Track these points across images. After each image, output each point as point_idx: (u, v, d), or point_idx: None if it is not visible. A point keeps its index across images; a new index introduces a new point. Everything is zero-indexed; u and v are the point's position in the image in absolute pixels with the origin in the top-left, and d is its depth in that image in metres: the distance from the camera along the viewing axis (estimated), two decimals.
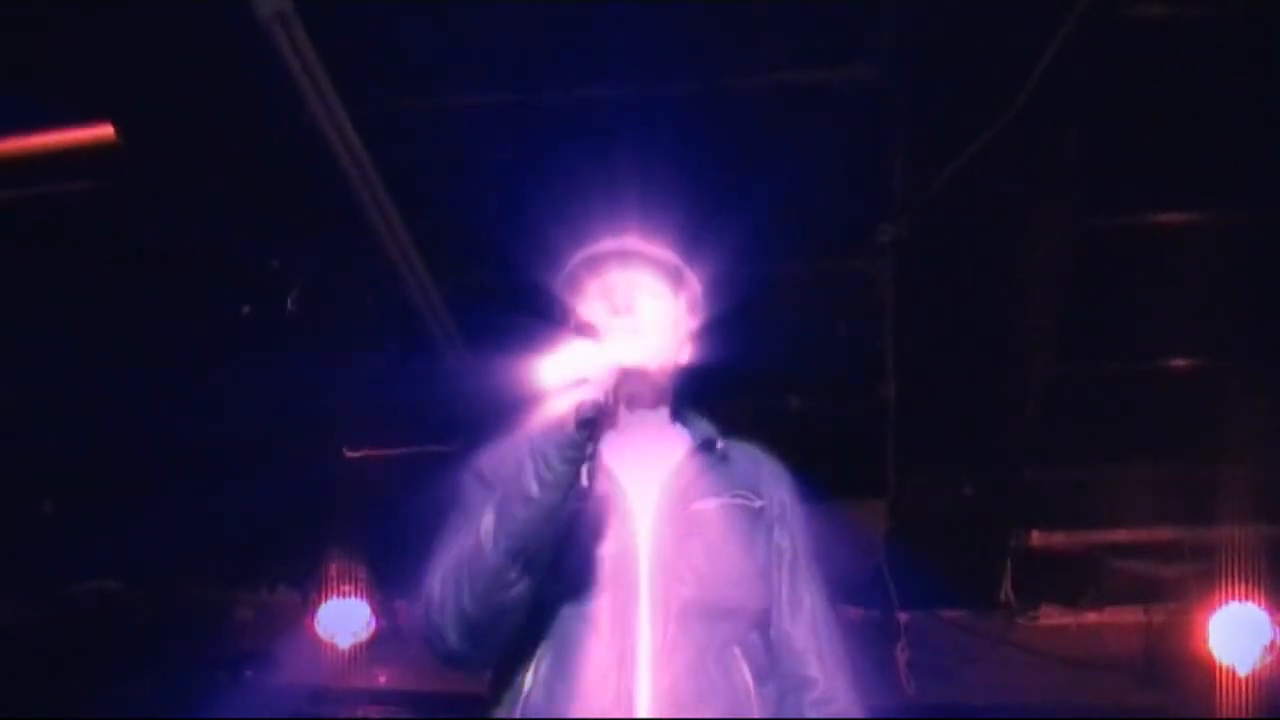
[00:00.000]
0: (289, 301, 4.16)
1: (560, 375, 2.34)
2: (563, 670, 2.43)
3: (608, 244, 2.69)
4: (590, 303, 2.61)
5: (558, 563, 2.42)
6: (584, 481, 2.36)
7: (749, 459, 2.74)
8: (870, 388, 4.74)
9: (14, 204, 3.96)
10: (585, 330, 2.45)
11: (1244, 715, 5.47)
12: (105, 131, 3.65)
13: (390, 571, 6.19)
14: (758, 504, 2.65)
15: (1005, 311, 4.37)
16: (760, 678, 2.53)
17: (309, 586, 6.33)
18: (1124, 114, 3.71)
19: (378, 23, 3.58)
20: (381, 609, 6.22)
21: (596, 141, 3.93)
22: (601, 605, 2.46)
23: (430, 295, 4.39)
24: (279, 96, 3.45)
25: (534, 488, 2.34)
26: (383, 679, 6.38)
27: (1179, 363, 4.78)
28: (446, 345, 4.61)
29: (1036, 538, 5.66)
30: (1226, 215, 4.14)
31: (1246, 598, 5.50)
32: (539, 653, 2.46)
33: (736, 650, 2.51)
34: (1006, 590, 5.87)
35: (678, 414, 2.76)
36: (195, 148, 3.78)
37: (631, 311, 2.55)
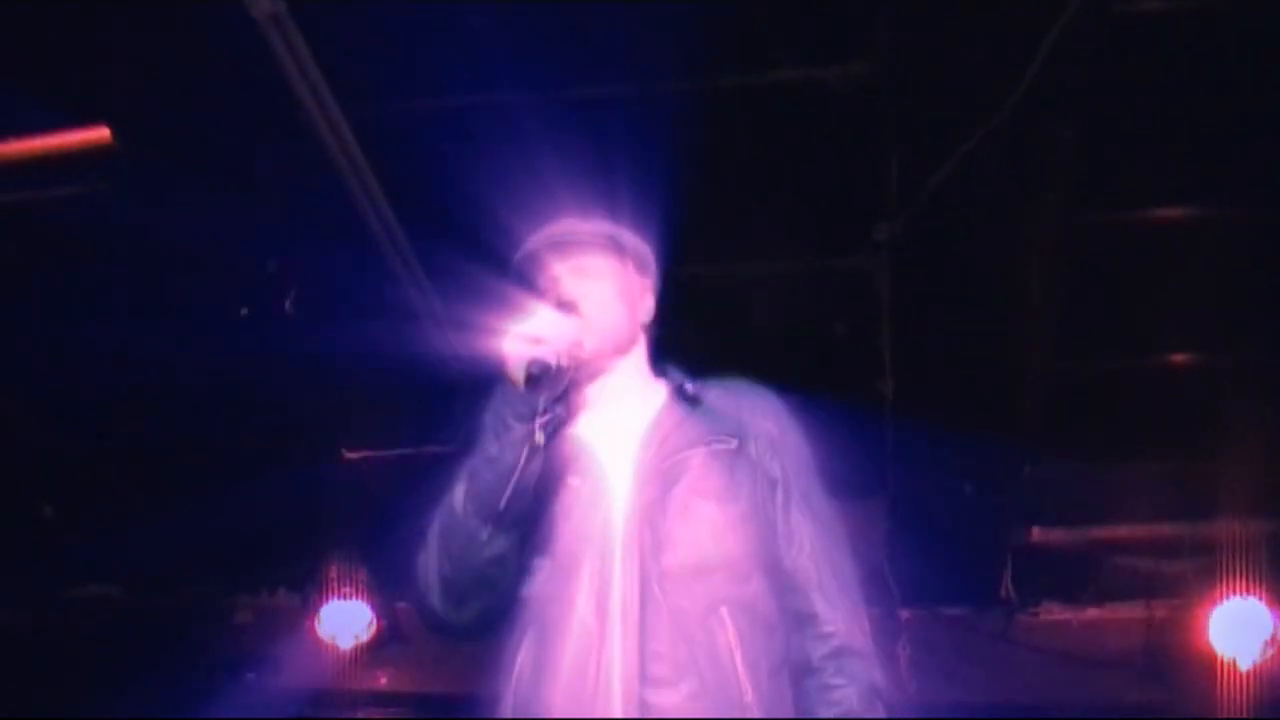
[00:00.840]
0: (286, 303, 4.15)
1: (517, 338, 2.43)
2: (546, 646, 2.44)
3: (542, 237, 2.72)
4: (542, 296, 2.61)
5: (540, 539, 2.47)
6: (538, 439, 2.41)
7: (729, 397, 2.69)
8: (869, 385, 4.74)
9: (10, 207, 3.96)
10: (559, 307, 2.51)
11: (1245, 710, 5.46)
12: (101, 134, 3.65)
13: (390, 573, 6.19)
14: (732, 444, 2.59)
15: (1003, 308, 4.37)
16: (754, 631, 2.47)
17: (309, 589, 6.33)
18: (1119, 110, 3.71)
19: (372, 23, 3.58)
20: (382, 610, 6.22)
21: (593, 142, 3.93)
22: (580, 577, 2.46)
23: (428, 296, 4.39)
24: (274, 97, 3.45)
25: (493, 448, 2.42)
26: (383, 680, 6.38)
27: (1177, 358, 4.78)
28: (445, 346, 4.61)
29: (1037, 534, 5.66)
30: (1223, 211, 4.14)
31: (1247, 593, 5.49)
32: (525, 629, 2.48)
33: (723, 610, 2.46)
34: (1007, 587, 5.87)
35: (655, 367, 2.75)
36: (190, 150, 3.78)
37: (574, 301, 2.54)
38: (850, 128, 3.80)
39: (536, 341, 2.40)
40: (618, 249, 2.71)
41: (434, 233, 4.20)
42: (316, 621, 6.19)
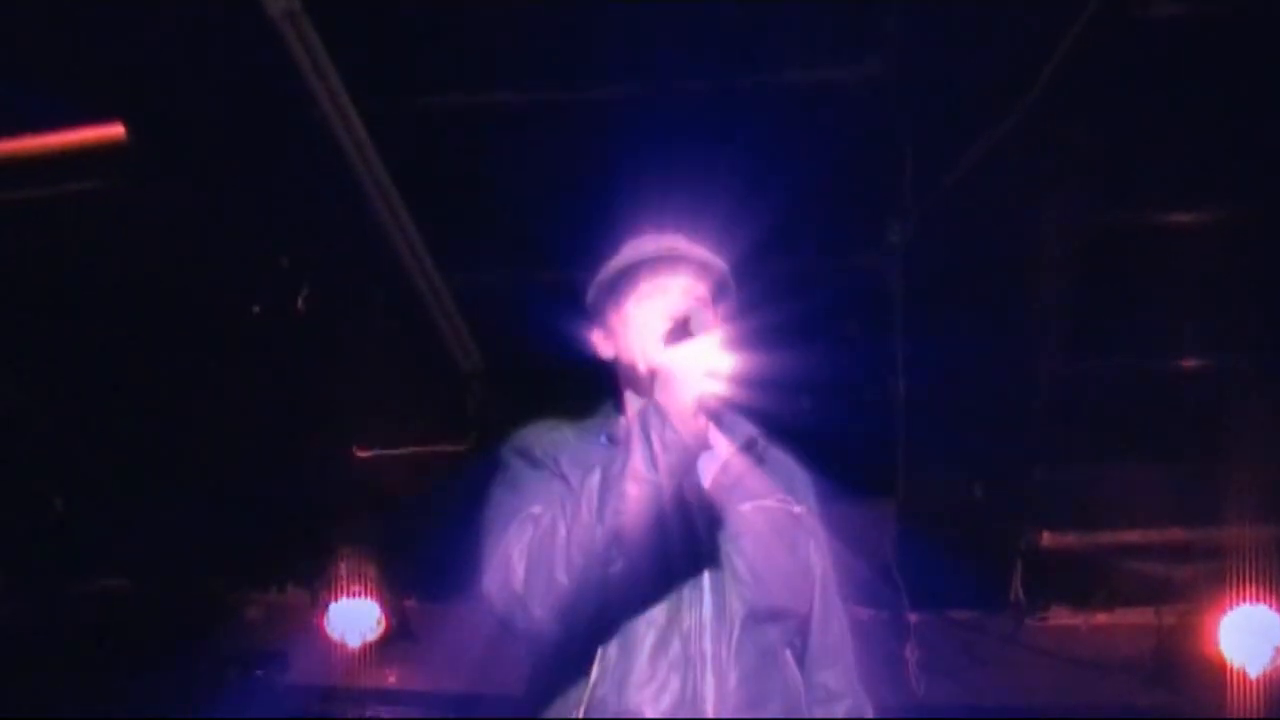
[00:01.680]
0: (298, 300, 4.16)
1: (690, 364, 2.36)
2: (629, 666, 2.46)
3: (655, 247, 2.68)
4: (644, 301, 2.63)
5: (642, 548, 2.43)
6: (699, 474, 2.46)
7: (784, 465, 2.78)
8: (880, 386, 4.73)
9: (24, 203, 3.97)
10: (682, 329, 2.46)
11: (1255, 717, 5.45)
12: (115, 131, 3.65)
13: (400, 571, 6.20)
14: (798, 509, 2.69)
15: (1015, 310, 4.36)
16: (801, 681, 2.60)
17: (319, 586, 6.33)
18: (1133, 112, 3.70)
19: (387, 21, 3.59)
20: (391, 608, 6.22)
21: (604, 141, 3.93)
22: (662, 603, 2.49)
23: (440, 294, 4.40)
24: (288, 95, 3.46)
25: (646, 469, 2.34)
26: (392, 678, 6.38)
27: (1189, 362, 4.77)
28: (456, 345, 4.62)
29: (1047, 538, 5.65)
30: (1236, 214, 4.13)
31: (1257, 599, 5.48)
32: (601, 648, 2.48)
33: (787, 653, 2.57)
34: (1016, 591, 5.86)
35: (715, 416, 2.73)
36: (205, 147, 3.78)
37: (689, 319, 2.49)
38: (864, 127, 3.80)
39: (710, 373, 2.37)
40: (725, 286, 2.71)
41: (448, 229, 4.21)
42: (325, 619, 6.20)
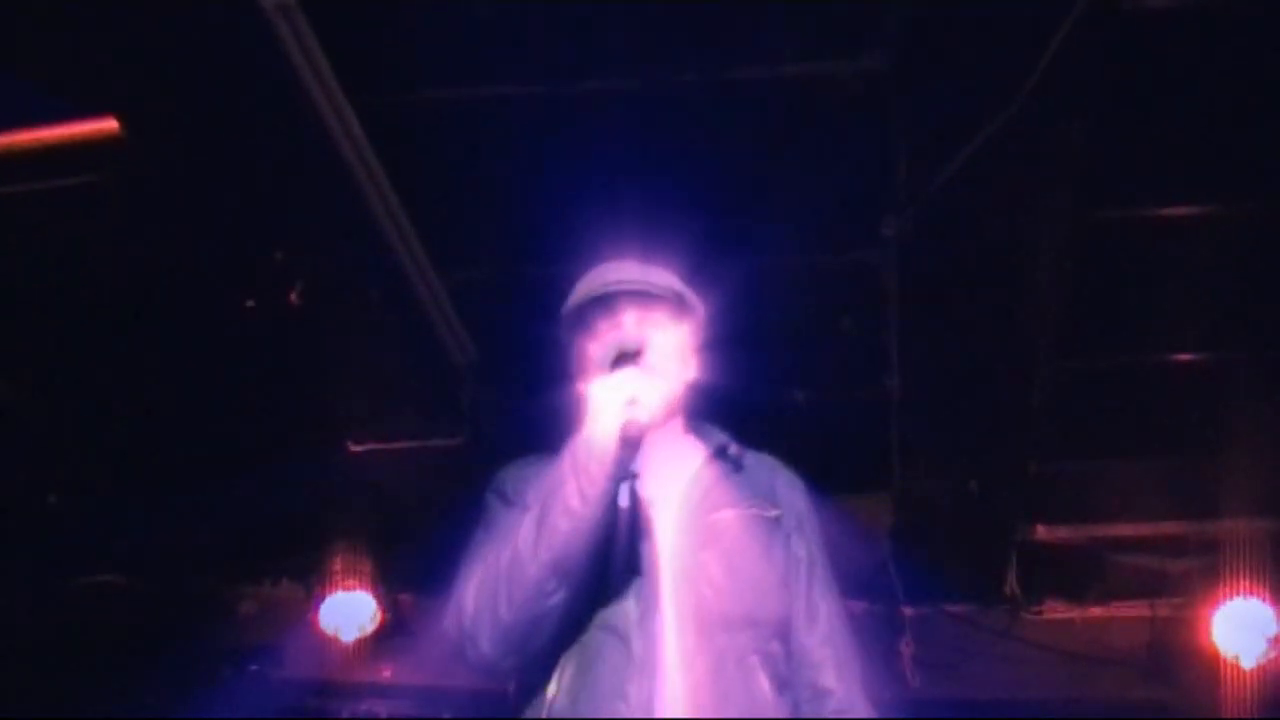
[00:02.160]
0: (293, 295, 4.15)
1: (611, 395, 2.48)
2: (586, 677, 2.51)
3: (612, 278, 2.75)
4: (599, 336, 2.69)
5: (585, 575, 2.50)
6: (623, 500, 2.52)
7: (764, 468, 2.82)
8: (875, 381, 4.73)
9: (18, 198, 3.95)
10: (623, 360, 2.56)
11: (1248, 710, 5.46)
12: (109, 125, 3.64)
13: (394, 565, 6.20)
14: (773, 513, 2.72)
15: (1010, 305, 4.37)
16: (779, 686, 2.61)
17: (313, 580, 6.33)
18: (1129, 107, 3.70)
19: (381, 15, 3.58)
20: (386, 602, 6.23)
21: (600, 135, 3.93)
22: (624, 614, 2.54)
23: (435, 289, 4.39)
24: (283, 89, 3.45)
25: (575, 502, 2.44)
26: (387, 673, 6.38)
27: (1184, 357, 4.77)
28: (451, 340, 4.61)
29: (1041, 532, 5.66)
30: (1232, 209, 4.12)
31: (1251, 592, 5.50)
32: (564, 660, 2.54)
33: (755, 659, 2.58)
34: (1011, 584, 5.87)
35: (690, 425, 2.84)
36: (199, 141, 3.77)
37: (644, 346, 2.59)
38: (859, 122, 3.80)
39: (632, 403, 2.47)
40: (683, 304, 2.77)
41: (441, 225, 4.20)
42: (320, 613, 6.20)
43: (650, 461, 2.64)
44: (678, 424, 2.80)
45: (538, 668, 2.55)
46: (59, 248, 4.34)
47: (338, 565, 6.17)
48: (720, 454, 2.75)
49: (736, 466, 2.75)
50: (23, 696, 5.96)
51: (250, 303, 4.31)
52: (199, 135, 3.71)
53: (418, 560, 6.15)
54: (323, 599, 6.21)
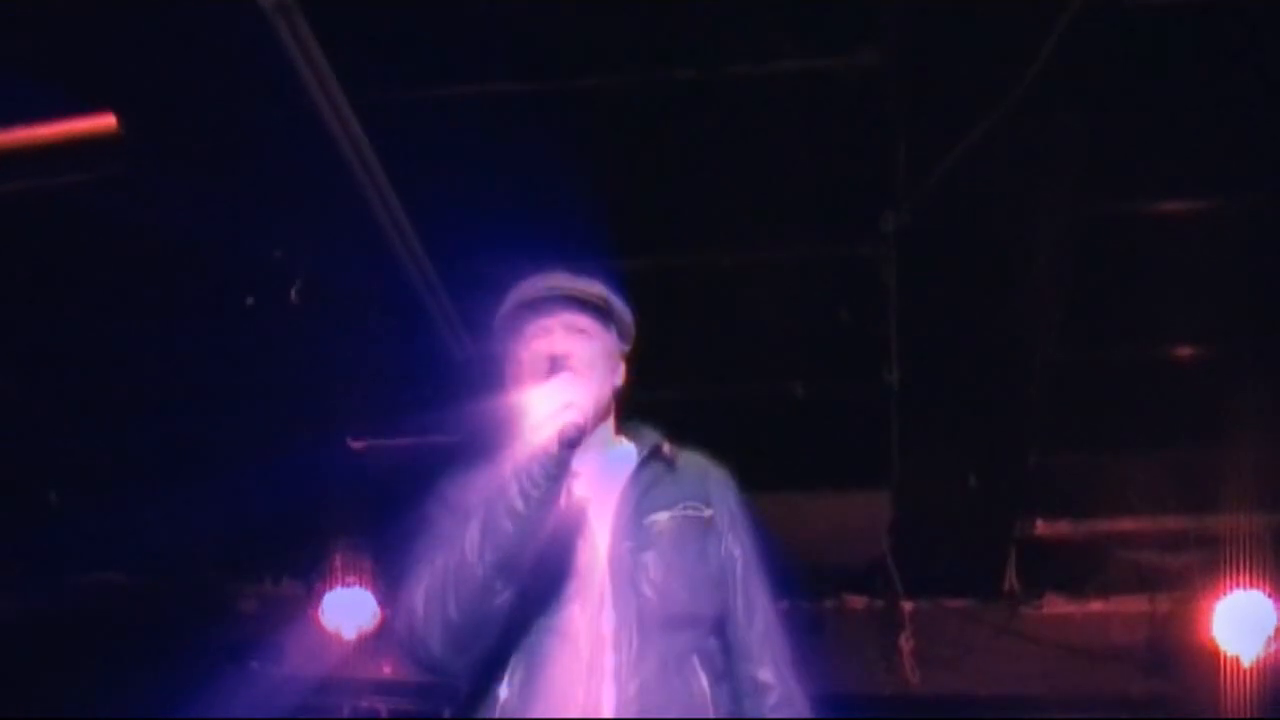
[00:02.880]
0: (292, 292, 4.15)
1: (547, 401, 2.58)
2: (535, 679, 2.59)
3: (541, 286, 2.85)
4: (529, 343, 2.79)
5: (530, 577, 2.58)
6: (564, 499, 2.60)
7: (696, 468, 2.88)
8: (874, 375, 4.73)
9: (16, 196, 3.96)
10: (552, 369, 2.67)
11: (1249, 704, 5.47)
12: (107, 122, 3.64)
13: (395, 561, 6.19)
14: (707, 513, 2.80)
15: (1009, 299, 4.36)
16: (716, 680, 2.69)
17: (313, 577, 6.34)
18: (1129, 101, 3.70)
19: (379, 13, 3.58)
20: (386, 599, 6.22)
21: (598, 131, 3.93)
22: (570, 617, 2.62)
23: (434, 285, 4.39)
24: (281, 87, 3.45)
25: (519, 503, 2.53)
26: (387, 669, 6.39)
27: (1184, 350, 4.78)
28: (450, 335, 4.62)
29: (1041, 526, 5.67)
30: (1231, 203, 4.13)
31: (1251, 586, 5.50)
32: (513, 663, 2.62)
33: (695, 659, 2.66)
34: (1011, 579, 5.88)
35: (622, 427, 2.92)
36: (198, 139, 3.77)
37: (569, 354, 2.72)
38: (857, 116, 3.80)
39: (568, 406, 2.57)
40: (607, 313, 2.87)
41: (439, 222, 4.20)
42: (320, 610, 6.20)
43: (586, 466, 2.72)
44: (609, 427, 2.88)
45: (487, 668, 2.63)
46: (58, 245, 4.35)
47: (338, 562, 6.18)
48: (654, 455, 2.83)
49: (670, 467, 2.83)
50: (24, 694, 5.97)
51: (250, 300, 4.32)
52: (198, 133, 3.71)
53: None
54: (324, 596, 6.22)
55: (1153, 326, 4.67)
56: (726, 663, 2.74)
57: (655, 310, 4.62)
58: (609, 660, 2.59)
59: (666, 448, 2.84)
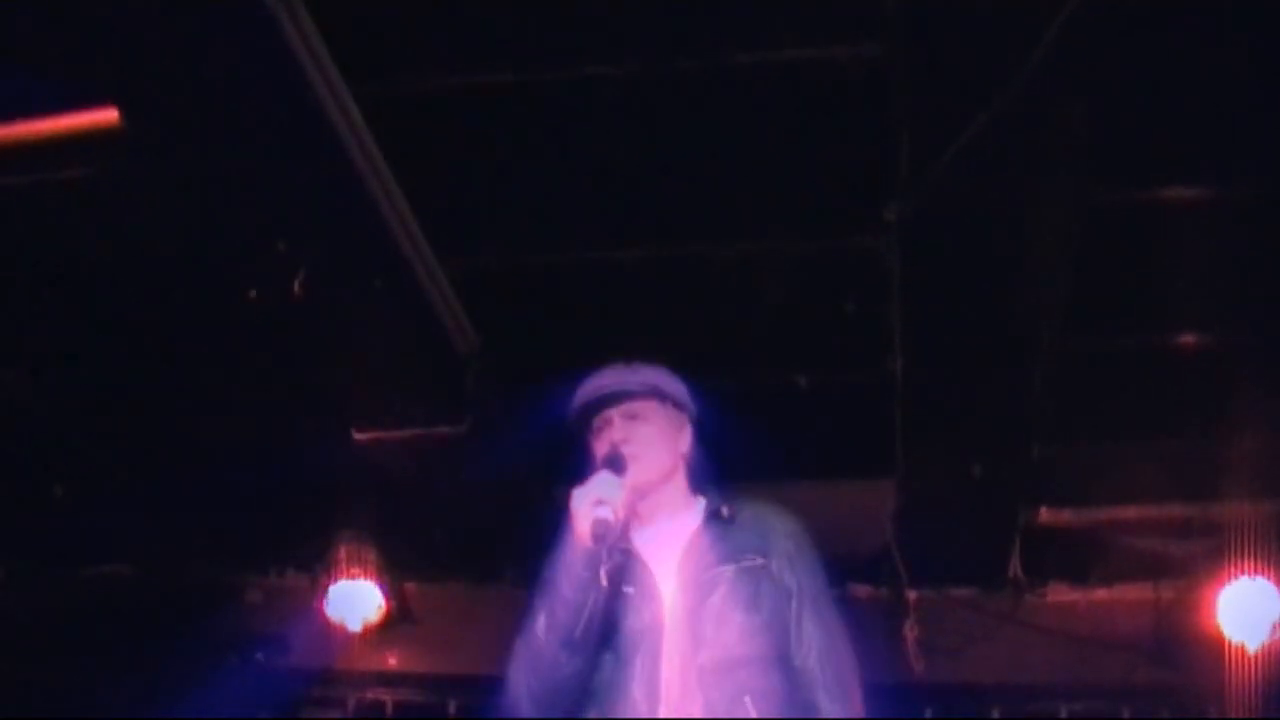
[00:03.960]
0: (295, 285, 4.15)
1: (583, 501, 2.96)
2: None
3: (594, 385, 3.31)
4: (596, 436, 3.26)
5: (603, 639, 3.06)
6: (603, 582, 3.01)
7: (756, 519, 3.27)
8: (878, 365, 4.73)
9: (18, 190, 3.95)
10: (605, 463, 3.10)
11: (1253, 691, 5.46)
12: (109, 116, 3.64)
13: (400, 553, 6.21)
14: (761, 562, 3.17)
15: (1012, 288, 4.36)
16: (775, 714, 3.02)
17: (318, 569, 6.34)
18: (1131, 89, 3.69)
19: (381, 3, 3.57)
20: (391, 591, 6.24)
21: (601, 121, 3.93)
22: (636, 665, 3.05)
23: (437, 277, 4.39)
24: (283, 78, 3.45)
25: (567, 590, 3.02)
26: (393, 661, 6.39)
27: (1188, 339, 4.77)
28: (453, 328, 4.62)
29: (1045, 515, 5.66)
30: (1236, 190, 4.12)
31: (1256, 573, 5.49)
32: (591, 706, 3.07)
33: (747, 699, 3.03)
34: (1015, 568, 5.87)
35: (694, 486, 3.34)
36: (200, 131, 3.76)
37: (627, 440, 3.19)
38: (860, 106, 3.80)
39: (599, 503, 2.94)
40: (660, 395, 3.32)
41: (442, 213, 4.20)
42: (325, 602, 6.21)
43: (653, 525, 3.23)
44: (680, 487, 3.32)
45: (571, 710, 3.08)
46: (60, 239, 4.35)
47: (343, 554, 6.18)
48: (714, 516, 3.24)
49: (729, 524, 3.22)
50: (30, 687, 5.98)
51: (253, 293, 4.31)
52: (200, 125, 3.70)
53: (423, 549, 6.17)
54: (328, 588, 6.22)
55: (1157, 315, 4.67)
56: (794, 695, 3.08)
57: (657, 301, 4.66)
58: (661, 709, 3.01)
59: (725, 509, 3.24)
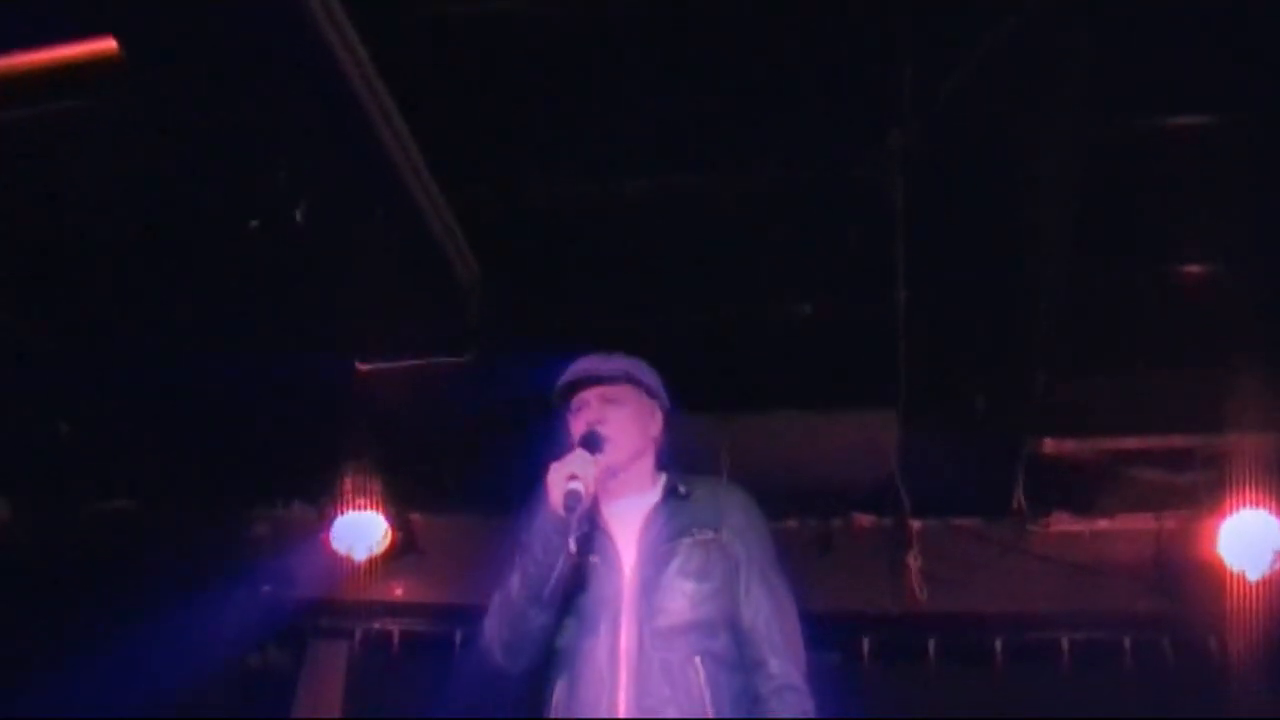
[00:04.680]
0: (297, 215, 4.13)
1: (558, 474, 3.24)
2: (574, 686, 3.33)
3: (576, 371, 3.58)
4: (575, 416, 3.53)
5: (570, 603, 3.36)
6: (571, 548, 3.31)
7: (710, 496, 3.57)
8: (882, 295, 4.72)
9: (17, 123, 3.93)
10: (582, 441, 3.36)
11: (1254, 621, 5.49)
12: (108, 46, 3.61)
13: (405, 484, 6.23)
14: (712, 535, 3.46)
15: (1016, 218, 4.34)
16: (722, 675, 3.33)
17: (324, 501, 6.37)
18: (1136, 16, 3.66)
19: None
20: (397, 522, 6.26)
21: (604, 47, 3.90)
22: (597, 635, 3.34)
23: (440, 207, 4.38)
24: (283, 6, 3.42)
25: (538, 552, 3.32)
26: (399, 591, 6.43)
27: (1192, 269, 4.75)
28: (456, 257, 4.61)
29: (1049, 445, 5.66)
30: (1240, 119, 4.09)
31: (1257, 504, 5.51)
32: (560, 671, 3.36)
33: (697, 659, 3.32)
34: (1019, 498, 5.88)
35: (660, 464, 3.62)
36: (200, 61, 3.74)
37: (603, 420, 3.45)
38: (863, 34, 3.77)
39: (572, 478, 3.22)
40: (635, 382, 3.59)
41: (445, 142, 4.18)
42: (331, 533, 6.24)
43: (619, 501, 3.50)
44: (647, 465, 3.59)
45: (543, 673, 3.38)
46: (60, 172, 4.33)
47: (348, 486, 6.20)
48: (672, 493, 3.53)
49: (685, 500, 3.51)
50: (38, 622, 6.02)
51: (254, 224, 4.30)
52: (199, 55, 3.68)
53: (427, 480, 6.19)
54: (334, 519, 6.25)
55: (1160, 245, 4.65)
56: (741, 655, 3.38)
57: (659, 231, 4.65)
58: (622, 672, 3.29)
59: (681, 487, 3.54)
